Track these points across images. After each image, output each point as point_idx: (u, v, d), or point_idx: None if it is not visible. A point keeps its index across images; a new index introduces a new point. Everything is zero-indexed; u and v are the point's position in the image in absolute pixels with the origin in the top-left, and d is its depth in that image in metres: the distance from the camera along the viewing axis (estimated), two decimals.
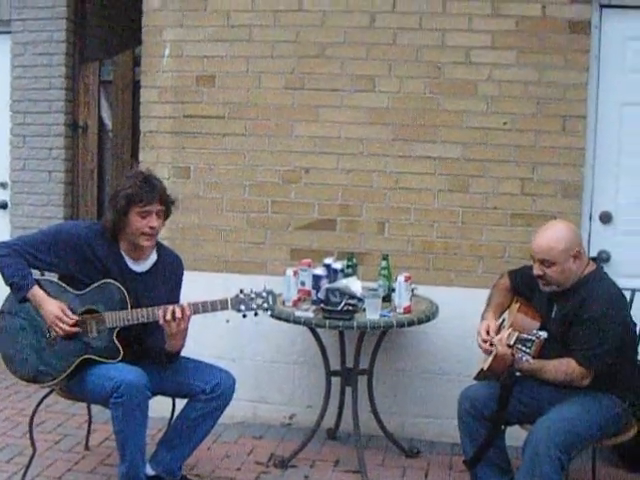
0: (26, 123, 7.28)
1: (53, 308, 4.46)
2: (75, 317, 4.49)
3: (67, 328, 4.45)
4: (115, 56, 7.24)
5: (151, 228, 4.51)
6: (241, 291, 4.49)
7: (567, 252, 4.32)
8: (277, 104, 5.89)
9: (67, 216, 7.24)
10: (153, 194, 4.50)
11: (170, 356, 4.64)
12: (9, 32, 7.30)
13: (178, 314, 4.39)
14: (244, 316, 4.49)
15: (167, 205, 4.62)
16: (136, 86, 6.57)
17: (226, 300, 4.47)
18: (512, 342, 4.21)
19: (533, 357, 4.17)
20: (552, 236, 4.39)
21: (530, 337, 4.18)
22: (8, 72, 7.32)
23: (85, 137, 7.32)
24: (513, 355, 4.21)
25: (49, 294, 4.52)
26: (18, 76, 7.28)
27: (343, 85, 5.79)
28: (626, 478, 5.22)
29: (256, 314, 4.51)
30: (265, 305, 4.50)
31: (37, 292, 4.50)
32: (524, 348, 4.16)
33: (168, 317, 4.38)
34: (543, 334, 4.20)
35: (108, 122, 7.32)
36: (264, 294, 4.51)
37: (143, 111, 6.11)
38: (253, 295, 4.49)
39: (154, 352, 4.63)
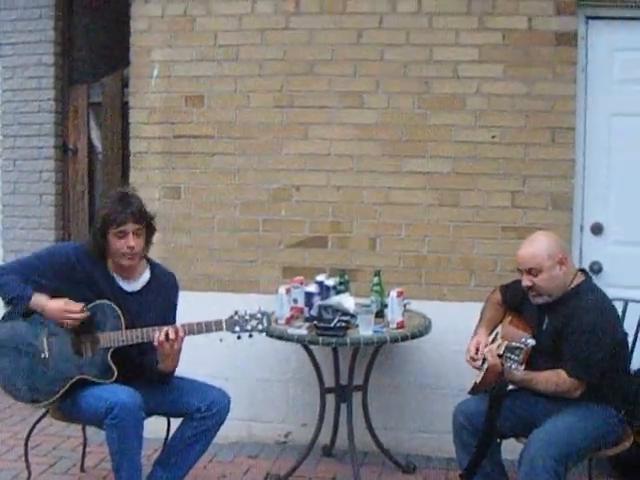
0: (16, 146, 7.30)
1: (57, 304, 4.47)
2: (80, 304, 4.49)
3: (77, 316, 4.47)
4: (104, 78, 7.25)
5: (129, 248, 4.50)
6: (235, 312, 4.49)
7: (552, 258, 4.34)
8: (266, 122, 5.90)
9: (58, 238, 7.25)
10: (126, 214, 4.47)
11: (163, 376, 4.63)
12: None
13: (172, 335, 4.39)
14: (239, 337, 4.48)
15: (146, 222, 4.60)
16: (125, 107, 6.56)
17: (220, 321, 4.47)
18: (501, 352, 4.22)
19: (521, 364, 4.17)
20: (534, 245, 4.42)
21: (518, 345, 4.18)
22: None
23: (75, 159, 7.33)
24: (503, 365, 4.22)
25: None
26: (7, 100, 7.30)
27: (331, 102, 5.80)
28: None
29: (250, 335, 4.50)
30: (260, 327, 4.49)
31: (38, 297, 4.50)
32: (513, 356, 4.16)
33: (162, 338, 4.38)
34: (531, 341, 4.19)
35: (98, 144, 7.33)
36: (259, 315, 4.50)
37: (132, 132, 6.12)
38: (248, 317, 4.48)
39: (147, 372, 4.61)
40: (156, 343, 4.39)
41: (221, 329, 4.47)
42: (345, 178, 5.82)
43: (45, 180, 7.26)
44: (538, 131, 5.58)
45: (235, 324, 4.46)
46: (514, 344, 4.20)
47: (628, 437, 4.49)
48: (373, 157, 5.77)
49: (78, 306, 4.48)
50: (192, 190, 6.01)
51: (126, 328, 4.49)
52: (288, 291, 5.28)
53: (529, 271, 4.39)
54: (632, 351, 4.70)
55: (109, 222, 4.45)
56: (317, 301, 5.25)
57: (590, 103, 5.63)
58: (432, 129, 5.70)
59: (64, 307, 4.47)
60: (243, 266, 5.98)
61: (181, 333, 4.42)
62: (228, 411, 4.66)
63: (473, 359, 4.47)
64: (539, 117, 5.57)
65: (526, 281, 4.43)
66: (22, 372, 4.53)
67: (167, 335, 4.38)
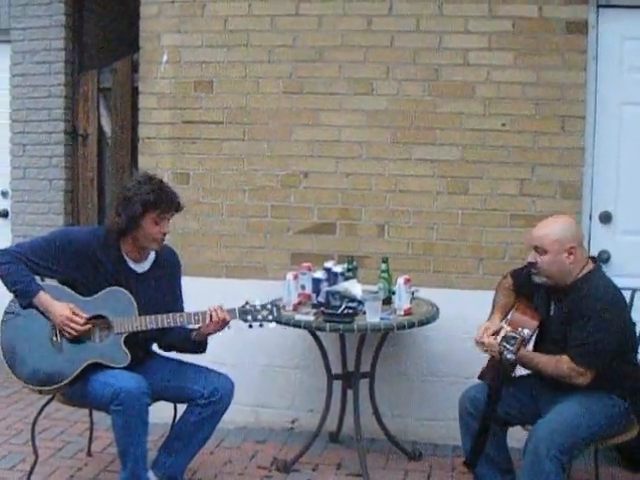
0: (26, 131, 7.32)
1: (62, 310, 4.45)
2: (85, 315, 4.48)
3: (79, 328, 4.45)
4: (113, 63, 7.25)
5: (163, 233, 4.57)
6: (247, 302, 4.56)
7: (561, 244, 4.31)
8: (275, 109, 5.89)
9: (68, 224, 7.27)
10: (171, 202, 4.56)
11: (200, 344, 4.77)
12: (8, 41, 7.33)
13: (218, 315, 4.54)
14: (250, 326, 4.56)
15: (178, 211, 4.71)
16: (135, 93, 6.56)
17: (234, 310, 4.54)
18: (499, 340, 4.23)
19: (515, 353, 4.19)
20: (550, 225, 4.41)
21: (514, 335, 4.23)
22: (7, 81, 7.34)
23: (85, 145, 7.34)
24: (501, 353, 4.22)
25: (56, 298, 4.51)
26: (17, 85, 7.32)
27: (341, 89, 5.80)
28: (628, 478, 5.20)
29: (261, 325, 4.57)
30: (270, 317, 4.56)
31: (42, 296, 4.48)
32: (508, 345, 4.20)
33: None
34: (527, 331, 4.26)
35: (107, 129, 7.33)
36: (269, 306, 4.57)
37: (142, 117, 6.12)
38: (259, 307, 4.55)
39: (178, 345, 4.80)
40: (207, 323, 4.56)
41: (234, 317, 4.54)
42: (354, 165, 5.81)
43: (55, 165, 7.29)
44: (548, 119, 5.57)
45: (247, 313, 4.54)
46: (510, 333, 4.23)
47: (634, 426, 4.48)
48: (382, 144, 5.77)
49: (82, 317, 4.47)
50: (201, 176, 6.01)
51: (138, 307, 4.51)
52: (296, 277, 5.29)
53: (536, 248, 4.39)
54: (638, 340, 4.69)
55: (153, 208, 4.47)
56: (325, 287, 5.26)
57: (600, 92, 5.62)
58: (441, 116, 5.69)
59: (69, 316, 4.44)
60: (251, 252, 5.99)
61: (227, 317, 4.54)
62: (232, 397, 4.70)
63: (479, 342, 4.45)
64: (549, 105, 5.56)
65: (531, 257, 4.43)
66: (35, 357, 4.52)
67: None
